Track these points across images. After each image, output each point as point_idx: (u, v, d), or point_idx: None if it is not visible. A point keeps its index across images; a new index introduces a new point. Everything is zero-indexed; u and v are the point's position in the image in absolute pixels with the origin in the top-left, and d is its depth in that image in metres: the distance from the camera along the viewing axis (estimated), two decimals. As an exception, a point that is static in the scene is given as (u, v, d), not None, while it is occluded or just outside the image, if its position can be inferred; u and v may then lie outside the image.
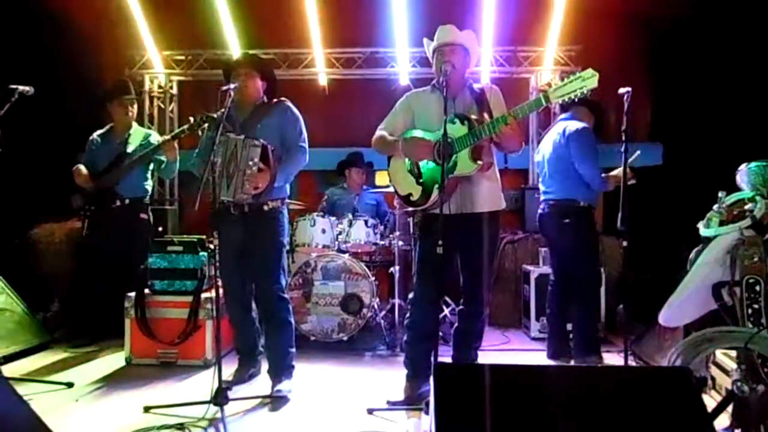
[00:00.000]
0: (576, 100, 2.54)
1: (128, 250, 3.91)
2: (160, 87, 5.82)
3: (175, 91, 5.92)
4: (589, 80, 2.44)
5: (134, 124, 4.15)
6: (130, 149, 3.99)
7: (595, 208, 3.60)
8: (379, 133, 2.98)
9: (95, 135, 4.11)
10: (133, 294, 3.60)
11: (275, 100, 3.13)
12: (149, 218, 4.16)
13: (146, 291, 3.64)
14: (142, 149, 3.96)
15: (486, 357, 3.49)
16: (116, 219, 3.93)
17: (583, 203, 3.51)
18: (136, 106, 4.20)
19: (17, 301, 3.85)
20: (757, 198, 1.96)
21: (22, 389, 2.82)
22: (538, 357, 3.81)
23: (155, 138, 4.12)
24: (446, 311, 4.25)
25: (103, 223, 3.93)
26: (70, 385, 3.09)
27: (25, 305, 3.89)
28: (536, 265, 4.48)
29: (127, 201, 3.97)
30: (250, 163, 2.77)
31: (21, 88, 3.04)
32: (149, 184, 4.14)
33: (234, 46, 5.44)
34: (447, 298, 4.24)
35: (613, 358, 3.70)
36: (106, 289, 3.93)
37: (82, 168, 3.92)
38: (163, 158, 3.93)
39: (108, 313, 3.89)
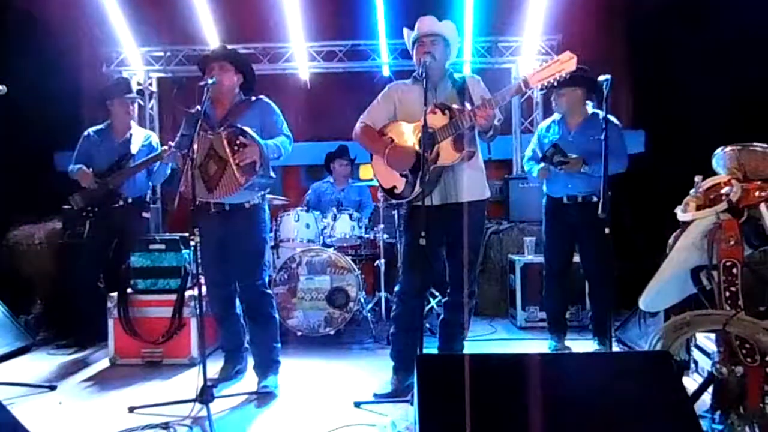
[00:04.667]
0: (556, 84, 2.55)
1: (125, 249, 3.81)
2: (139, 84, 5.74)
3: (154, 88, 5.85)
4: (567, 63, 2.45)
5: (133, 124, 4.08)
6: (134, 149, 3.92)
7: (555, 198, 3.66)
8: (361, 125, 2.97)
9: (91, 131, 4.00)
10: (115, 294, 3.56)
11: (253, 97, 3.07)
12: (149, 217, 4.11)
13: (129, 290, 3.60)
14: (147, 151, 3.91)
15: (473, 347, 3.50)
16: (117, 219, 3.87)
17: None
18: (136, 105, 4.13)
19: (-2, 305, 3.79)
20: (733, 181, 1.98)
21: (3, 393, 2.79)
22: (524, 346, 3.84)
23: (155, 140, 4.06)
24: (433, 303, 4.26)
25: (104, 223, 3.87)
26: (53, 387, 3.06)
27: (6, 308, 3.83)
28: (522, 254, 4.50)
29: (129, 200, 3.92)
30: (235, 147, 2.71)
31: None
32: (149, 183, 4.10)
33: (213, 41, 5.37)
34: (433, 290, 4.25)
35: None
36: (101, 290, 3.87)
37: (86, 169, 3.82)
38: (157, 163, 3.87)
39: (97, 313, 3.83)
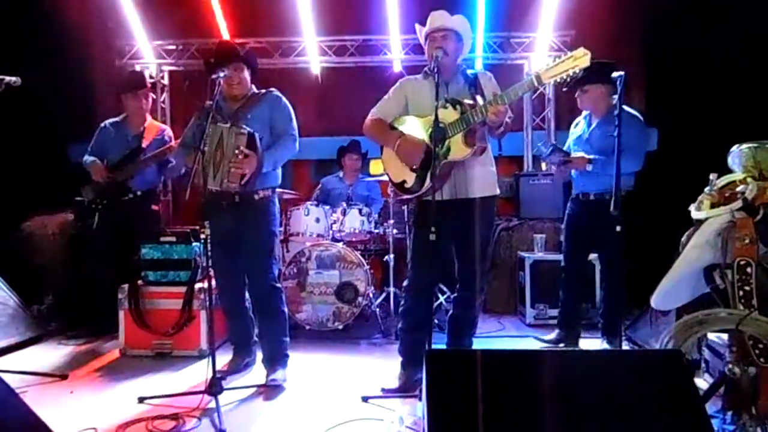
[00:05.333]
0: (569, 80, 2.51)
1: (134, 241, 3.83)
2: (151, 77, 5.76)
3: (166, 81, 5.88)
4: (581, 59, 2.42)
5: (148, 117, 4.10)
6: (144, 144, 3.93)
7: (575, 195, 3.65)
8: (372, 118, 2.96)
9: (107, 123, 4.04)
10: (126, 285, 3.59)
11: (264, 90, 3.09)
12: (159, 210, 4.13)
13: (140, 282, 3.62)
14: (157, 145, 3.92)
15: (481, 344, 3.49)
16: (127, 211, 3.90)
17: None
18: (150, 98, 4.15)
19: (11, 294, 3.83)
20: (749, 180, 1.96)
21: (16, 382, 2.83)
22: (533, 344, 3.82)
23: (168, 134, 4.07)
24: (441, 299, 4.25)
25: (113, 215, 3.89)
26: (64, 377, 3.10)
27: (19, 298, 3.88)
28: (531, 251, 4.48)
29: (139, 193, 3.95)
30: (236, 151, 2.76)
31: (8, 78, 2.98)
32: (160, 176, 4.12)
33: (225, 35, 5.38)
34: (442, 286, 4.24)
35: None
36: (111, 282, 3.91)
37: (99, 162, 3.87)
38: (171, 159, 3.89)
39: (108, 304, 3.86)
